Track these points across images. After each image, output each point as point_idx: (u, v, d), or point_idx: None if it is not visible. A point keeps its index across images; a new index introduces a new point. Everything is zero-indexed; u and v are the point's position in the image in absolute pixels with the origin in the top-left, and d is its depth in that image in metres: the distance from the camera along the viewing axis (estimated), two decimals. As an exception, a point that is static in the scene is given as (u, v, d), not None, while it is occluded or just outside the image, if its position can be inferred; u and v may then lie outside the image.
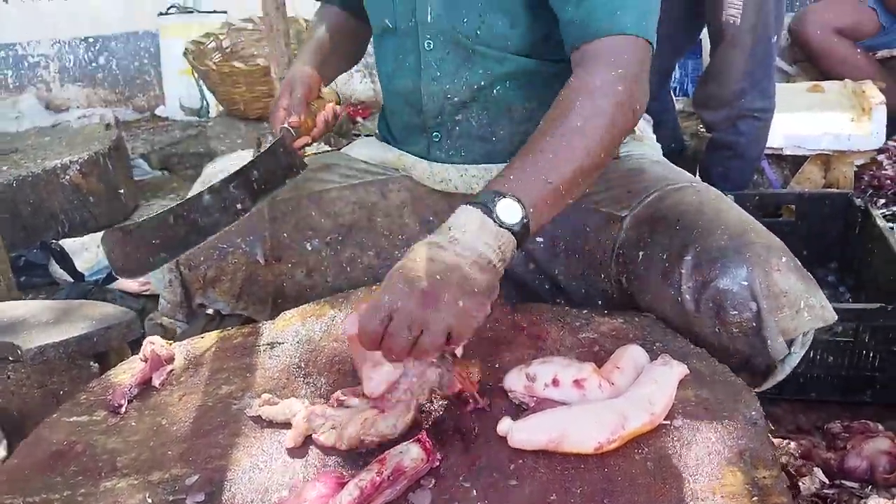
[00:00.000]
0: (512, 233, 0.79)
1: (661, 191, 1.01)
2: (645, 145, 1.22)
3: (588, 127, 0.85)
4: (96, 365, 1.16)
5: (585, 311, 0.94)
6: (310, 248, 1.18)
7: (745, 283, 0.85)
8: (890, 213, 1.95)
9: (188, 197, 0.96)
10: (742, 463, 0.68)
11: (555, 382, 0.76)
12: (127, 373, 0.93)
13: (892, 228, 1.61)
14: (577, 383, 0.75)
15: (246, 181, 0.98)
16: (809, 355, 0.97)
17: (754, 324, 0.85)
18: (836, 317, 0.90)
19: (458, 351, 0.80)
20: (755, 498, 0.64)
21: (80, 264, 2.20)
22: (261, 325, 1.02)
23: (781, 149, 2.07)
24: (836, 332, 1.37)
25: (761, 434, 0.71)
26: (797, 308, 0.86)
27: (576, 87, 0.88)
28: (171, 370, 0.92)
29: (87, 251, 2.31)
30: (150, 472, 0.76)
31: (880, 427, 1.25)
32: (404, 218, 1.20)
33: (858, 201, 1.74)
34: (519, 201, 0.79)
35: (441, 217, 1.17)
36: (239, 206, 0.98)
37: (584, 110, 0.85)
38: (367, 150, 1.27)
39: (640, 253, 0.96)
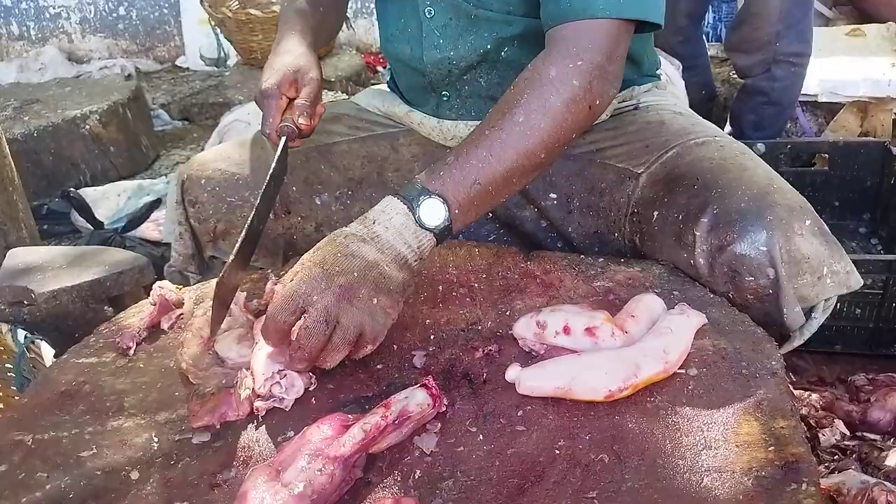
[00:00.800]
0: (433, 234, 0.77)
1: (681, 146, 0.96)
2: (667, 94, 1.15)
3: (531, 126, 0.79)
4: (110, 309, 1.16)
5: (601, 260, 0.91)
6: (319, 203, 1.16)
7: (765, 249, 0.80)
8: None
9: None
10: (759, 413, 0.65)
11: (566, 330, 0.74)
12: (136, 316, 0.92)
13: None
14: (589, 331, 0.73)
15: (267, 194, 0.89)
16: (836, 307, 0.94)
17: (770, 291, 0.81)
18: (862, 282, 0.85)
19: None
20: (771, 448, 0.61)
21: (101, 213, 2.22)
22: (269, 270, 1.01)
23: (816, 96, 1.98)
24: (865, 285, 1.32)
25: (780, 384, 0.68)
26: (819, 274, 0.82)
27: (528, 78, 0.81)
28: (181, 314, 0.92)
29: (108, 199, 2.33)
30: (156, 413, 0.76)
31: (907, 382, 1.21)
32: (415, 173, 1.17)
33: (895, 150, 1.66)
34: (445, 202, 0.77)
35: None
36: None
37: (531, 105, 0.79)
38: (376, 100, 1.23)
39: (655, 212, 0.91)
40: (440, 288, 0.90)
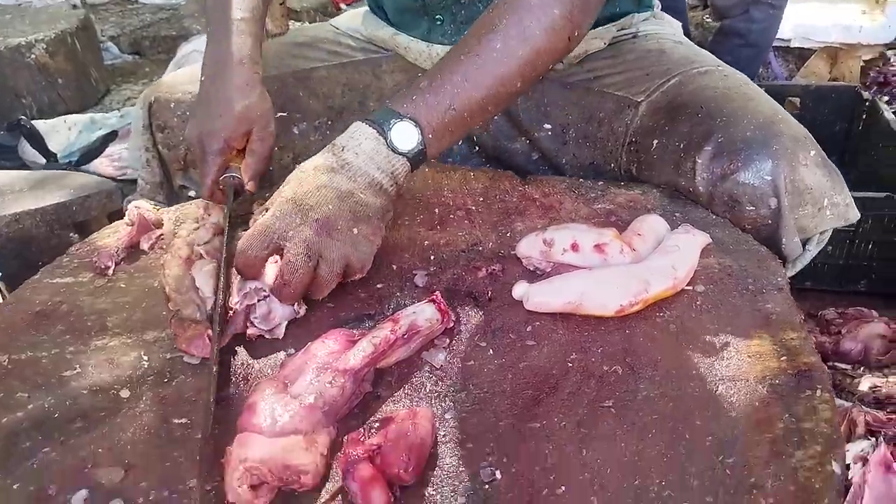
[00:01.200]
0: (406, 158, 0.74)
1: (684, 74, 0.94)
2: (665, 23, 1.13)
3: (508, 52, 0.75)
4: (76, 236, 1.10)
5: (601, 183, 0.89)
6: (297, 132, 1.10)
7: (769, 178, 0.79)
8: (893, 110, 1.91)
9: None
10: (769, 325, 0.65)
11: (574, 247, 0.72)
12: (112, 237, 0.87)
13: (898, 122, 1.57)
14: (599, 248, 0.72)
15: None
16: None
17: (769, 221, 0.80)
18: (859, 215, 0.86)
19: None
20: (784, 357, 0.62)
21: (52, 146, 2.09)
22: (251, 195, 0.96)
23: (789, 40, 1.99)
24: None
25: (787, 299, 0.69)
26: (820, 206, 0.82)
27: (507, 2, 0.77)
28: (161, 235, 0.87)
29: (58, 133, 2.20)
30: (143, 332, 0.72)
31: (874, 313, 1.25)
32: None
33: (866, 95, 1.69)
34: (417, 125, 0.73)
35: None
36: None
37: (510, 31, 0.75)
38: (357, 23, 1.17)
39: (655, 141, 0.89)
40: (437, 211, 0.87)
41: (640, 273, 0.68)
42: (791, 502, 0.50)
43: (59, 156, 2.02)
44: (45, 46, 2.42)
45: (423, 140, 0.74)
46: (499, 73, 0.76)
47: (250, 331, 0.69)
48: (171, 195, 1.11)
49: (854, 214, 0.84)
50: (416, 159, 0.75)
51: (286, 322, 0.70)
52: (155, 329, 0.72)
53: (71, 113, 2.46)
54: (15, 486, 0.57)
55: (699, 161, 0.82)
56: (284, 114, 1.05)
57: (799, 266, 0.87)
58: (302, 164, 0.74)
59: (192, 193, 1.12)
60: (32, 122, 2.21)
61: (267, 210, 0.72)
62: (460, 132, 0.78)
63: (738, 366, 0.61)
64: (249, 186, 0.85)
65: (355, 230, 0.71)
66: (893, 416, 0.95)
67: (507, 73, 0.76)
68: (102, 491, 0.56)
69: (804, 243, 0.85)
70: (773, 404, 0.58)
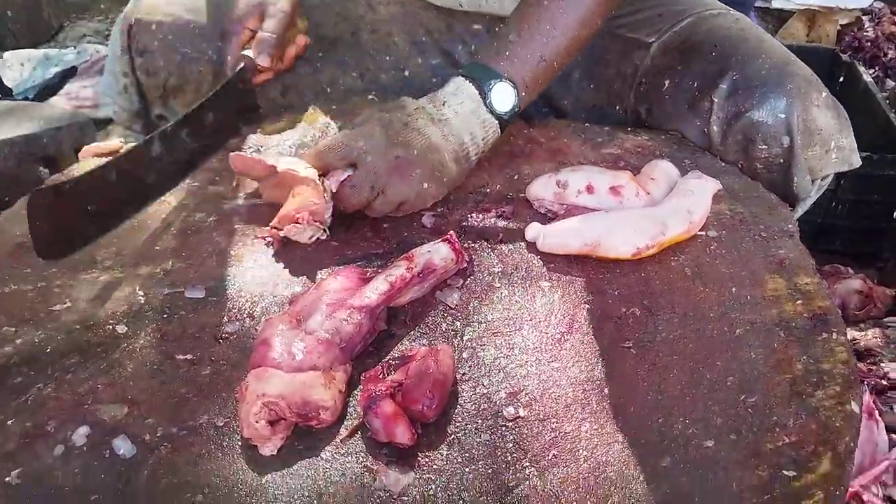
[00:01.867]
0: (501, 120, 0.75)
1: (697, 15, 0.92)
2: None
3: None
4: (46, 171, 1.03)
5: (608, 128, 0.88)
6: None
7: (783, 116, 0.80)
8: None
9: (131, 147, 0.74)
10: (783, 270, 0.65)
11: (589, 189, 0.71)
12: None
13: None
14: (614, 190, 0.70)
15: (198, 127, 0.78)
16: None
17: (782, 160, 0.81)
18: (861, 162, 0.87)
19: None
20: (799, 302, 0.62)
21: (6, 83, 1.97)
22: (242, 129, 0.91)
23: (770, 0, 1.99)
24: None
25: (798, 245, 0.69)
26: (827, 148, 0.83)
27: None
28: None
29: (11, 69, 2.07)
30: (136, 266, 0.68)
31: (851, 271, 1.28)
32: (393, 36, 1.07)
33: (845, 57, 1.71)
34: (514, 85, 0.74)
35: (435, 37, 1.06)
36: (190, 158, 0.77)
37: None
38: None
39: (667, 81, 0.88)
40: (439, 150, 0.84)
41: (657, 216, 0.67)
42: (814, 440, 0.51)
43: (13, 92, 1.90)
44: (-8, -25, 2.26)
45: (518, 101, 0.75)
46: (581, 15, 0.76)
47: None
48: (149, 125, 1.05)
49: (857, 160, 0.86)
50: (509, 121, 0.76)
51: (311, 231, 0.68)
52: (149, 264, 0.68)
53: (22, 47, 2.31)
54: (9, 423, 0.53)
55: (716, 100, 0.83)
56: None
57: (800, 211, 0.88)
58: (405, 98, 0.75)
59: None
60: (-19, 54, 2.08)
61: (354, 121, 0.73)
62: (547, 82, 0.79)
63: (755, 309, 0.62)
64: (260, 60, 0.86)
65: (425, 185, 0.71)
66: (873, 367, 0.98)
67: (587, 13, 0.76)
68: (105, 427, 0.53)
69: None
70: (790, 346, 0.58)
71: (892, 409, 0.93)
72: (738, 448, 0.51)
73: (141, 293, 0.65)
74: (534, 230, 0.69)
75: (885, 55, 1.97)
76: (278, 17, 0.88)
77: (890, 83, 1.91)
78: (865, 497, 0.85)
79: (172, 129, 0.74)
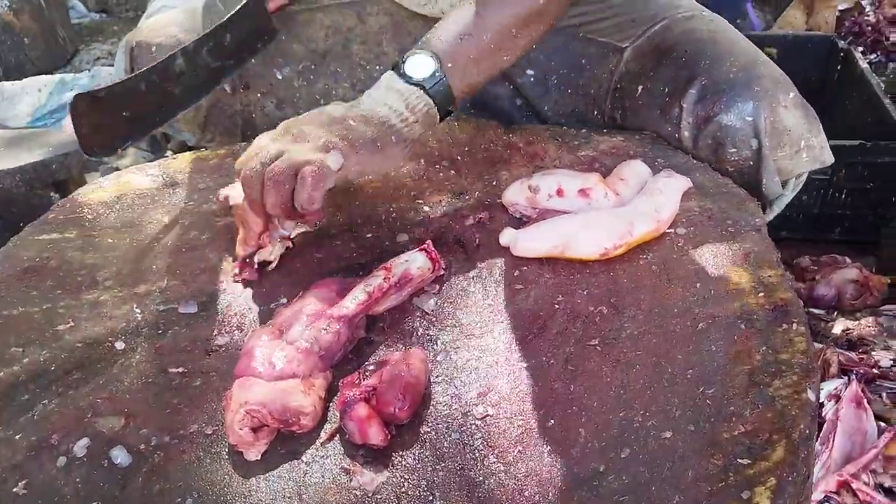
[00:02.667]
0: (425, 90, 0.72)
1: (670, 19, 0.94)
2: None
3: None
4: (56, 195, 1.08)
5: (584, 130, 0.90)
6: (280, 77, 1.09)
7: (750, 119, 0.81)
8: (868, 60, 1.93)
9: (159, 61, 0.81)
10: (747, 264, 0.68)
11: (559, 192, 0.73)
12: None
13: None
14: (583, 192, 0.73)
15: (218, 46, 0.84)
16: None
17: (752, 162, 0.83)
18: (834, 160, 0.88)
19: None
20: (761, 294, 0.64)
21: (23, 108, 2.04)
22: (237, 146, 0.96)
23: (767, -10, 1.99)
24: (812, 171, 1.38)
25: (764, 239, 0.71)
26: (797, 148, 0.84)
27: None
28: (145, 191, 0.86)
29: (28, 95, 2.14)
30: (135, 285, 0.72)
31: (847, 260, 1.29)
32: (383, 46, 1.11)
33: (842, 44, 1.71)
34: (433, 56, 0.73)
35: None
36: (212, 75, 0.84)
37: None
38: None
39: (640, 87, 0.91)
40: (422, 161, 0.88)
41: (624, 216, 0.70)
42: (769, 428, 0.53)
43: (28, 119, 1.97)
44: (8, 4, 2.35)
45: (441, 69, 0.73)
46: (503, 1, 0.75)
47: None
48: (154, 143, 1.10)
49: (829, 157, 0.86)
50: (440, 90, 0.73)
51: (279, 248, 0.71)
52: (146, 282, 0.72)
53: (39, 73, 2.39)
54: (17, 437, 0.57)
55: (685, 106, 0.84)
56: None
57: (777, 210, 0.90)
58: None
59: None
60: (2, 83, 2.16)
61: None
62: (491, 62, 0.76)
63: (718, 303, 0.64)
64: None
65: (324, 139, 0.68)
66: (864, 357, 0.99)
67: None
68: (104, 438, 0.57)
69: (782, 186, 0.87)
70: (751, 338, 0.60)
71: (881, 397, 0.94)
72: (696, 438, 0.53)
73: (138, 310, 0.69)
74: (508, 235, 0.71)
75: (888, 39, 1.96)
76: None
77: (892, 66, 1.89)
78: (855, 485, 0.86)
79: (194, 46, 0.80)
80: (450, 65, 0.73)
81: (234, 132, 1.10)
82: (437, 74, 0.73)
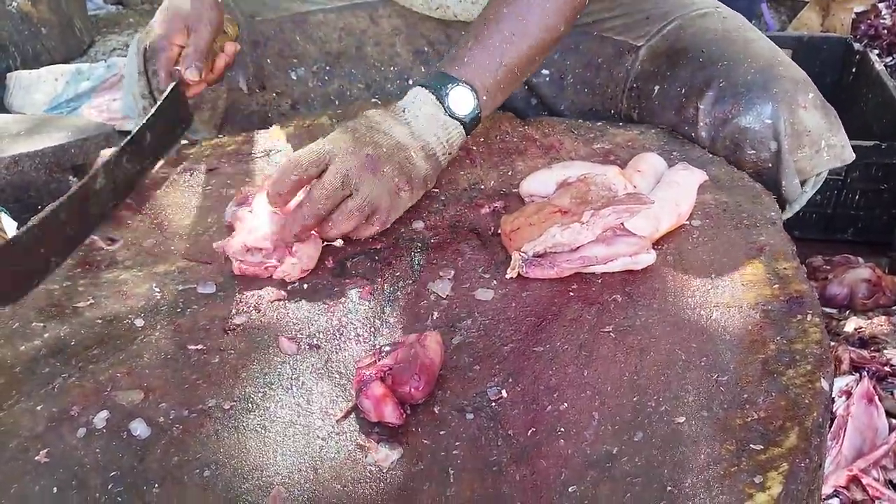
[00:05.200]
0: (462, 124, 0.76)
1: (684, 18, 0.94)
2: None
3: None
4: (75, 179, 1.10)
5: (600, 124, 0.91)
6: (295, 78, 1.10)
7: (769, 122, 0.81)
8: (884, 63, 1.92)
9: (77, 186, 0.73)
10: (762, 255, 0.68)
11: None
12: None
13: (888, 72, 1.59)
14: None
15: (139, 149, 0.81)
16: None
17: (770, 164, 0.83)
18: (854, 156, 0.88)
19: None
20: (776, 286, 0.64)
21: (39, 97, 2.07)
22: (255, 133, 0.97)
23: (783, -9, 1.99)
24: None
25: (780, 231, 0.71)
26: (818, 147, 0.84)
27: None
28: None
29: (45, 84, 2.17)
30: (154, 266, 0.73)
31: (860, 260, 1.29)
32: (396, 47, 1.11)
33: (857, 46, 1.71)
34: (472, 89, 0.75)
35: (436, 48, 1.10)
36: (131, 179, 0.80)
37: None
38: None
39: (656, 87, 0.91)
40: (437, 150, 0.88)
41: (649, 212, 0.70)
42: (782, 415, 0.54)
43: (45, 108, 2.00)
44: (27, -6, 2.37)
45: (478, 104, 0.76)
46: (543, 21, 0.77)
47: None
48: None
49: (849, 155, 0.86)
50: (472, 124, 0.78)
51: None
52: (164, 263, 0.73)
53: (56, 62, 2.42)
54: (38, 408, 0.58)
55: (702, 107, 0.84)
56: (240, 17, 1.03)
57: (797, 207, 0.90)
58: (367, 110, 0.77)
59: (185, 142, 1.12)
60: (19, 72, 2.18)
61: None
62: (511, 87, 0.81)
63: (733, 293, 0.64)
64: (187, 75, 0.85)
65: (396, 180, 0.73)
66: (876, 355, 0.99)
67: (551, 20, 0.78)
68: (123, 411, 0.58)
69: (801, 185, 0.87)
70: (765, 328, 0.60)
71: (892, 394, 0.94)
72: (709, 424, 0.54)
73: (157, 289, 0.70)
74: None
75: (904, 42, 1.95)
76: (201, 31, 0.87)
77: (909, 70, 1.88)
78: (865, 480, 0.86)
79: (115, 159, 0.77)
80: (485, 98, 0.77)
81: (251, 131, 1.11)
82: (475, 110, 0.77)
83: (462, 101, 0.76)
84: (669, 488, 0.49)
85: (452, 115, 0.76)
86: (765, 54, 0.85)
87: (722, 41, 0.88)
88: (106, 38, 2.80)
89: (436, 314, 0.65)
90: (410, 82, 1.10)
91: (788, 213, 0.90)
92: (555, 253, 0.66)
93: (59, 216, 0.69)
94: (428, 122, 0.75)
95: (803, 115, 0.82)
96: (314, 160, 0.70)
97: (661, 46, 0.93)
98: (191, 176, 0.87)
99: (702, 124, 0.85)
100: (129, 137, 0.79)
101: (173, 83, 0.85)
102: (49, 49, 2.48)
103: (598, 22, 1.00)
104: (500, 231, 0.72)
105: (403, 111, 0.76)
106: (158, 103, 0.83)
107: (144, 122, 0.81)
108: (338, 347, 0.62)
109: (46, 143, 1.06)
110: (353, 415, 0.57)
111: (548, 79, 1.04)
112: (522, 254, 0.66)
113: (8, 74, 2.15)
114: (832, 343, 1.04)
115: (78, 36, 2.61)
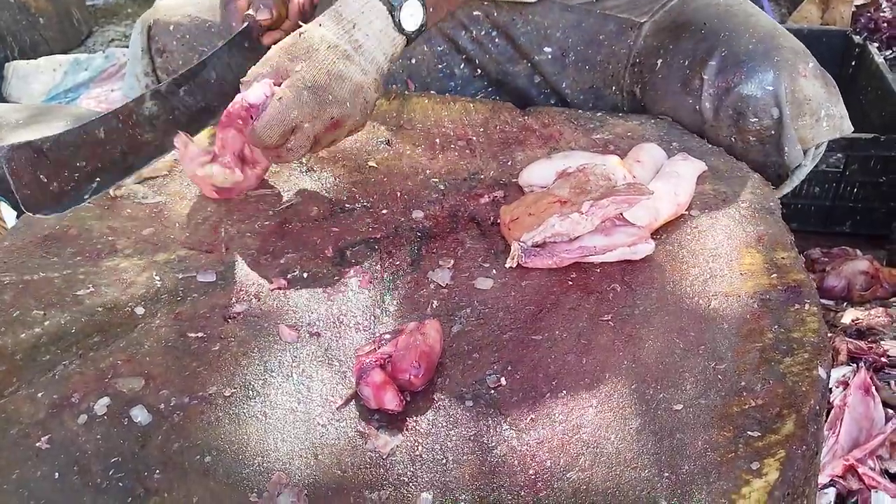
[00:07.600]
0: (409, 40, 0.76)
1: None
2: None
3: None
4: (75, 170, 1.09)
5: (599, 114, 0.91)
6: None
7: (770, 89, 0.83)
8: (883, 56, 1.92)
9: (125, 103, 0.72)
10: (760, 245, 0.68)
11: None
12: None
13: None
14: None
15: (201, 84, 0.77)
16: (796, 187, 1.00)
17: (773, 132, 0.84)
18: (853, 128, 0.89)
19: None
20: (774, 275, 0.65)
21: (37, 87, 2.06)
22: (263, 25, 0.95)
23: (783, -16, 1.98)
24: (825, 163, 1.38)
25: (778, 221, 0.71)
26: (818, 117, 0.85)
27: None
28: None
29: (43, 74, 2.16)
30: (154, 254, 0.73)
31: (858, 252, 1.29)
32: None
33: (857, 39, 1.70)
34: (422, 2, 0.74)
35: (439, 25, 1.08)
36: (191, 118, 0.76)
37: None
38: None
39: (659, 61, 0.91)
40: (437, 141, 0.89)
41: (648, 202, 0.70)
42: (779, 403, 0.54)
43: (43, 98, 1.99)
44: (25, -16, 2.36)
45: (426, 19, 0.75)
46: None
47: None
48: None
49: (848, 126, 0.88)
50: (415, 38, 0.76)
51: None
52: (165, 251, 0.73)
53: (54, 53, 2.41)
54: (39, 395, 0.59)
55: (706, 77, 0.85)
56: None
57: (796, 180, 0.90)
58: (309, 30, 0.73)
59: None
60: (17, 62, 2.17)
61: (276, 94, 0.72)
62: (451, 5, 0.79)
63: (731, 282, 0.64)
64: (259, 16, 0.84)
65: (352, 123, 0.74)
66: (873, 345, 1.00)
67: None
68: (124, 398, 0.58)
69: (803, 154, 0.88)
70: (763, 317, 0.61)
71: (889, 384, 0.95)
72: (706, 411, 0.54)
73: (157, 278, 0.70)
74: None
75: (904, 35, 1.95)
76: None
77: (908, 63, 1.89)
78: (861, 470, 0.87)
79: (167, 87, 0.75)
80: (431, 10, 0.76)
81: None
82: (422, 25, 0.76)
83: (413, 14, 0.75)
84: (667, 475, 0.49)
85: (402, 31, 0.75)
86: (766, 26, 0.88)
87: (724, 14, 0.89)
88: (104, 29, 2.79)
89: (435, 303, 0.66)
90: (413, 61, 1.08)
91: (787, 188, 0.91)
92: (554, 243, 0.67)
93: (97, 131, 0.67)
94: (378, 41, 0.74)
95: (804, 83, 0.83)
96: (281, 131, 0.70)
97: (664, 21, 0.94)
98: (190, 165, 0.87)
99: (705, 94, 0.86)
100: (188, 69, 0.77)
101: (244, 26, 0.83)
102: (47, 39, 2.47)
103: (601, 0, 1.00)
104: (499, 221, 0.72)
105: (353, 27, 0.73)
106: (227, 40, 0.81)
107: (210, 54, 0.79)
108: (338, 335, 0.63)
109: (45, 132, 1.05)
110: (353, 402, 0.57)
111: (550, 56, 1.04)
112: (522, 243, 0.67)
113: (6, 65, 2.13)
114: (829, 334, 1.04)
115: (76, 26, 2.60)
